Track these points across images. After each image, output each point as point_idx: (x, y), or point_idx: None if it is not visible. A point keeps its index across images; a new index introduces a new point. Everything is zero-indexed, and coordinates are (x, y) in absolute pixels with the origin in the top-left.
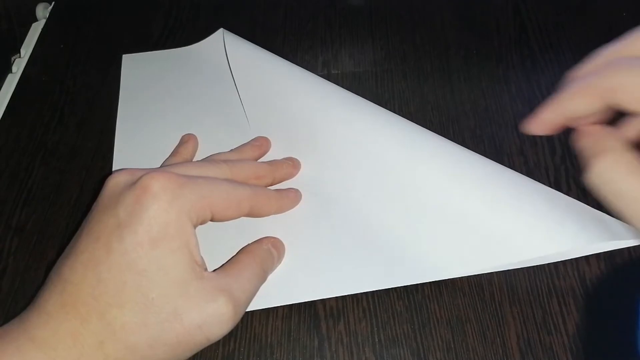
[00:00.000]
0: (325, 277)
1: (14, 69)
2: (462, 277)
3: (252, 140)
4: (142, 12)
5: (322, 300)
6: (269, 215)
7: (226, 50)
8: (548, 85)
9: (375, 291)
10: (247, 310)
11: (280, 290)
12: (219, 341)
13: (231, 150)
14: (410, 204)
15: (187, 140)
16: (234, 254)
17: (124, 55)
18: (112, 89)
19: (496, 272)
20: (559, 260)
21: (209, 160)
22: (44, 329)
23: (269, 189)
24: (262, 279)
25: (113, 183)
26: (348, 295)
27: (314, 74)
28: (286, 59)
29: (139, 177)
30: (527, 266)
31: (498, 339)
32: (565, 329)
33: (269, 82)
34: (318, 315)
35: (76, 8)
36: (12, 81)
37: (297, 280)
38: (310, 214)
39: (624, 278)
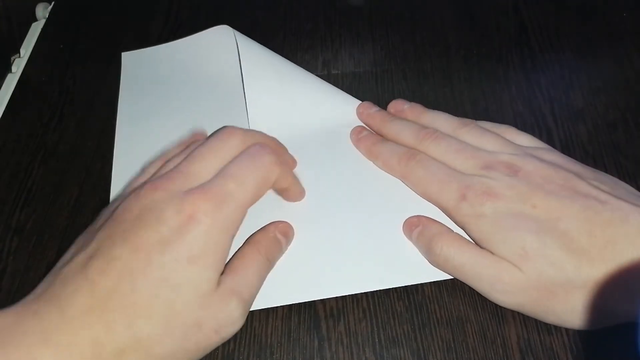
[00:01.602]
0: (325, 277)
1: (13, 68)
2: None
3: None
4: (142, 12)
5: (322, 300)
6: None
7: (238, 48)
8: (548, 85)
9: (375, 291)
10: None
11: (280, 290)
12: None
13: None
14: (411, 203)
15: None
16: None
17: (123, 53)
18: (112, 88)
19: None
20: None
21: (217, 135)
22: (63, 333)
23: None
24: (268, 269)
25: (150, 200)
26: (348, 295)
27: (323, 80)
28: (286, 58)
29: (180, 199)
30: None
31: (498, 339)
32: (566, 329)
33: (277, 83)
34: (318, 315)
35: (76, 8)
36: (11, 81)
37: (297, 280)
38: (311, 214)
39: None
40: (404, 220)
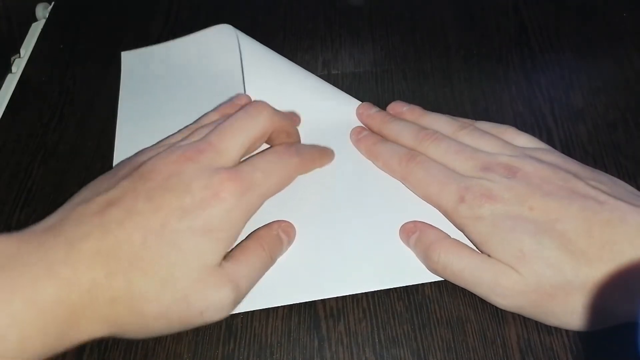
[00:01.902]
0: (325, 277)
1: (13, 69)
2: None
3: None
4: (142, 12)
5: (322, 300)
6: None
7: (240, 46)
8: (548, 85)
9: (375, 291)
10: (247, 310)
11: (280, 290)
12: (219, 341)
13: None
14: (411, 204)
15: (239, 105)
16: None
17: (123, 53)
18: (112, 88)
19: None
20: None
21: (243, 113)
22: (67, 269)
23: (312, 147)
24: (268, 265)
25: (181, 168)
26: (348, 295)
27: (323, 81)
28: (286, 59)
29: (209, 175)
30: None
31: (498, 339)
32: (566, 329)
33: (277, 83)
34: (318, 315)
35: (76, 8)
36: (11, 81)
37: (297, 280)
38: (311, 214)
39: None
40: (402, 222)
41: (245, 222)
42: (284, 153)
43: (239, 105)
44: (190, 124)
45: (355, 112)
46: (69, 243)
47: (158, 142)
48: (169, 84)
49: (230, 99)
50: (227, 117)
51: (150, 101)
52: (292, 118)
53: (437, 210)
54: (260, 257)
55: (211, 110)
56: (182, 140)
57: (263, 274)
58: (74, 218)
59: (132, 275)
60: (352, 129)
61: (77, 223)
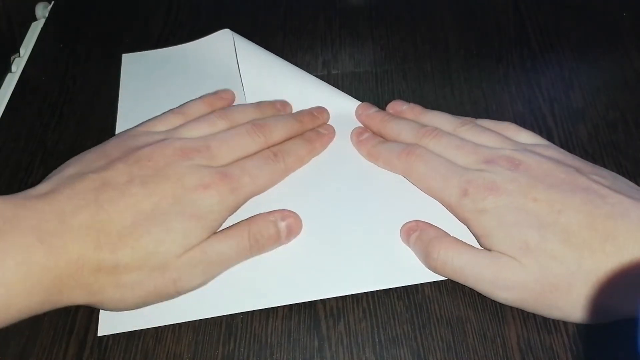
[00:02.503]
0: (325, 277)
1: (13, 68)
2: None
3: (275, 101)
4: (142, 12)
5: (322, 300)
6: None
7: (236, 52)
8: (548, 85)
9: (375, 291)
10: (247, 310)
11: (280, 290)
12: (219, 341)
13: (251, 105)
14: (411, 204)
15: (226, 97)
16: None
17: (124, 55)
18: (112, 88)
19: None
20: None
21: (242, 131)
22: (58, 238)
23: (300, 145)
24: (246, 246)
25: (177, 161)
26: (348, 295)
27: (322, 82)
28: (286, 59)
29: (202, 172)
30: None
31: (498, 339)
32: (566, 328)
33: (276, 86)
34: (318, 315)
35: (76, 7)
36: (11, 81)
37: (297, 280)
38: (311, 214)
39: None
40: (402, 222)
41: (229, 216)
42: (271, 160)
43: (225, 98)
44: (176, 109)
45: (354, 112)
46: (62, 215)
47: (145, 123)
48: (168, 87)
49: (216, 92)
50: (230, 123)
51: (150, 103)
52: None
53: (437, 211)
54: (239, 240)
55: (197, 99)
56: (174, 130)
57: (242, 256)
58: (68, 191)
59: (119, 248)
60: (353, 130)
61: (71, 196)
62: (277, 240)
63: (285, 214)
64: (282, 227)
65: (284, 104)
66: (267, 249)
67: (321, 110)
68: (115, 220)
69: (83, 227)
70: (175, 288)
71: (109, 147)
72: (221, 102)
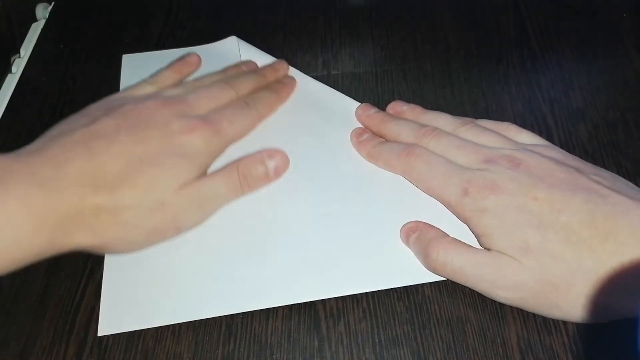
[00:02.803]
0: (325, 277)
1: (13, 69)
2: None
3: (239, 62)
4: (142, 12)
5: (322, 300)
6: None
7: (240, 57)
8: (548, 85)
9: (375, 291)
10: (247, 310)
11: (280, 290)
12: (219, 341)
13: (215, 72)
14: (411, 204)
15: (192, 62)
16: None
17: (124, 56)
18: (112, 89)
19: None
20: None
21: (214, 86)
22: (56, 183)
23: (268, 94)
24: (237, 183)
25: (160, 111)
26: (348, 295)
27: (322, 84)
28: (286, 59)
29: (184, 118)
30: None
31: (498, 339)
32: (565, 329)
33: None
34: (318, 316)
35: (76, 8)
36: (11, 81)
37: (297, 280)
38: (311, 214)
39: None
40: (402, 222)
41: (212, 161)
42: (245, 107)
43: (192, 63)
44: (148, 79)
45: (354, 113)
46: (57, 164)
47: (121, 91)
48: None
49: (182, 57)
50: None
51: None
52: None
53: (437, 211)
54: (229, 174)
55: (165, 68)
56: (152, 93)
57: (233, 193)
58: (60, 144)
59: (116, 190)
60: (353, 131)
61: (63, 149)
62: (266, 177)
63: (272, 152)
64: (270, 165)
65: (248, 63)
66: (256, 187)
67: (281, 63)
68: (108, 166)
69: (78, 173)
70: (175, 224)
71: (91, 109)
72: (188, 67)
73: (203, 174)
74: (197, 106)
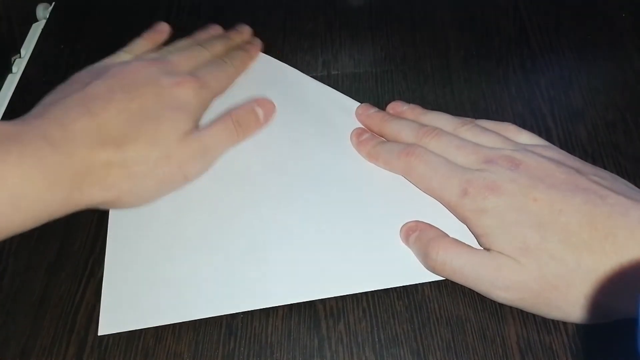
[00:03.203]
0: (325, 277)
1: (14, 69)
2: None
3: (205, 27)
4: (142, 12)
5: (322, 300)
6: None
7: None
8: (548, 85)
9: (375, 291)
10: (247, 310)
11: (280, 290)
12: (219, 341)
13: (184, 38)
14: (411, 203)
15: (163, 30)
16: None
17: None
18: None
19: None
20: None
21: (190, 48)
22: (65, 141)
23: (241, 53)
24: (233, 131)
25: (147, 70)
26: (348, 295)
27: (321, 83)
28: (286, 59)
29: (172, 73)
30: None
31: (498, 338)
32: (565, 328)
33: (275, 88)
34: (318, 315)
35: (76, 8)
36: (12, 81)
37: (297, 280)
38: (311, 214)
39: None
40: (402, 222)
41: (203, 112)
42: (223, 63)
43: (162, 31)
44: (123, 49)
45: (354, 113)
46: (62, 125)
47: (101, 61)
48: None
49: (153, 26)
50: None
51: None
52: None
53: (437, 211)
54: (225, 123)
55: (138, 38)
56: (133, 58)
57: (231, 139)
58: (60, 108)
59: (123, 144)
60: (353, 131)
61: (65, 111)
62: (257, 123)
63: (260, 101)
64: (260, 112)
65: (214, 27)
66: (250, 133)
67: (243, 26)
68: (111, 123)
69: (84, 131)
70: (182, 173)
71: (78, 76)
72: (160, 35)
73: (197, 125)
74: (179, 65)
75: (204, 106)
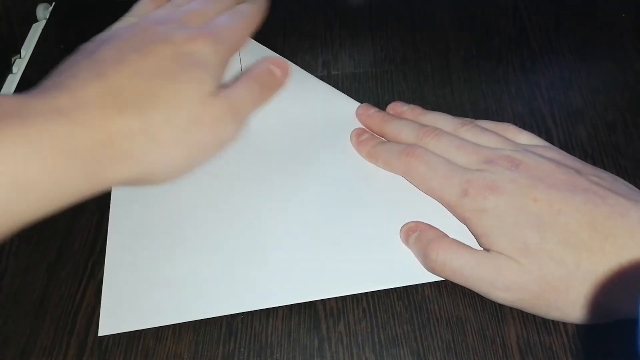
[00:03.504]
0: (325, 277)
1: (14, 69)
2: None
3: None
4: None
5: (322, 300)
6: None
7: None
8: (548, 85)
9: (375, 291)
10: (247, 310)
11: (280, 290)
12: (219, 341)
13: None
14: (411, 204)
15: None
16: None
17: None
18: None
19: None
20: None
21: (196, 2)
22: (77, 111)
23: (252, 3)
24: (258, 91)
25: (157, 28)
26: (348, 295)
27: (322, 82)
28: (286, 59)
29: (185, 29)
30: None
31: (498, 339)
32: (565, 329)
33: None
34: (318, 315)
35: (77, 8)
36: (12, 82)
37: (297, 280)
38: (311, 214)
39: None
40: (402, 222)
41: (223, 69)
42: (236, 15)
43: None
44: (127, 13)
45: (354, 113)
46: (71, 92)
47: (105, 30)
48: None
49: None
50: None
51: None
52: None
53: (436, 211)
54: (249, 84)
55: (141, 1)
56: (138, 19)
57: (257, 98)
58: (67, 76)
59: (142, 107)
60: (353, 131)
61: (73, 79)
62: (277, 82)
63: (273, 60)
64: (277, 71)
65: None
66: (273, 92)
67: None
68: (126, 86)
69: (98, 96)
70: (215, 136)
71: (85, 46)
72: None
73: (219, 85)
74: (189, 21)
75: (224, 63)
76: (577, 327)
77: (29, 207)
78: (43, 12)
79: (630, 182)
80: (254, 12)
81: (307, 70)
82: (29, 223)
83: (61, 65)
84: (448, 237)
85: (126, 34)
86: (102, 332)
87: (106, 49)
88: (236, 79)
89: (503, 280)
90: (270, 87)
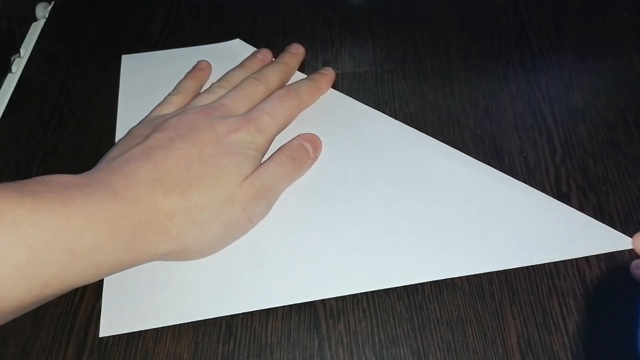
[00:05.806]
0: (325, 277)
1: (13, 68)
2: (462, 276)
3: (254, 53)
4: (142, 12)
5: (322, 300)
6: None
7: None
8: (548, 85)
9: (375, 291)
10: (247, 310)
11: (280, 290)
12: (219, 341)
13: (237, 68)
14: (411, 204)
15: (204, 67)
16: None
17: (123, 56)
18: (111, 89)
19: (496, 272)
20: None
21: (244, 84)
22: (129, 191)
23: (309, 83)
24: (289, 166)
25: (202, 118)
26: (348, 295)
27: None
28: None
29: (227, 118)
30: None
31: (498, 338)
32: (565, 329)
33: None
34: (318, 315)
35: (76, 8)
36: (11, 81)
37: (297, 280)
38: (311, 213)
39: (624, 278)
40: (402, 222)
41: (264, 153)
42: (285, 97)
43: (205, 68)
44: (171, 92)
45: (354, 115)
46: (126, 175)
47: (153, 111)
48: (168, 87)
49: (194, 66)
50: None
51: (150, 102)
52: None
53: (439, 212)
54: (280, 159)
55: (184, 79)
56: (187, 107)
57: (289, 176)
58: (122, 161)
59: (186, 191)
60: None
61: (127, 163)
62: (309, 157)
63: (305, 136)
64: (309, 147)
65: (262, 52)
66: (304, 169)
67: (296, 46)
68: (172, 171)
69: (147, 180)
70: (246, 215)
71: (136, 130)
72: (203, 72)
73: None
74: (234, 107)
75: (264, 148)
76: (578, 327)
77: (77, 273)
78: (42, 12)
79: (631, 182)
80: (310, 92)
81: (307, 70)
82: (72, 288)
83: (115, 147)
84: None
85: (176, 123)
86: (102, 333)
87: (158, 137)
88: (269, 158)
89: None
90: (302, 163)
